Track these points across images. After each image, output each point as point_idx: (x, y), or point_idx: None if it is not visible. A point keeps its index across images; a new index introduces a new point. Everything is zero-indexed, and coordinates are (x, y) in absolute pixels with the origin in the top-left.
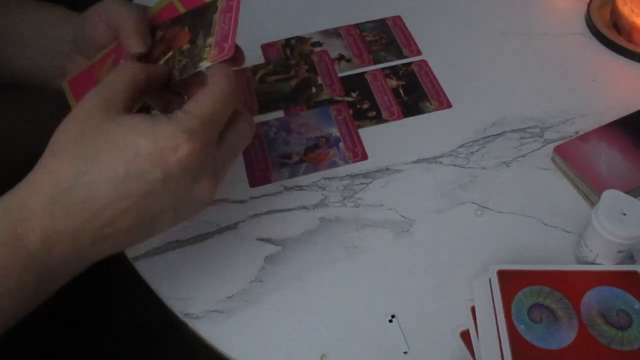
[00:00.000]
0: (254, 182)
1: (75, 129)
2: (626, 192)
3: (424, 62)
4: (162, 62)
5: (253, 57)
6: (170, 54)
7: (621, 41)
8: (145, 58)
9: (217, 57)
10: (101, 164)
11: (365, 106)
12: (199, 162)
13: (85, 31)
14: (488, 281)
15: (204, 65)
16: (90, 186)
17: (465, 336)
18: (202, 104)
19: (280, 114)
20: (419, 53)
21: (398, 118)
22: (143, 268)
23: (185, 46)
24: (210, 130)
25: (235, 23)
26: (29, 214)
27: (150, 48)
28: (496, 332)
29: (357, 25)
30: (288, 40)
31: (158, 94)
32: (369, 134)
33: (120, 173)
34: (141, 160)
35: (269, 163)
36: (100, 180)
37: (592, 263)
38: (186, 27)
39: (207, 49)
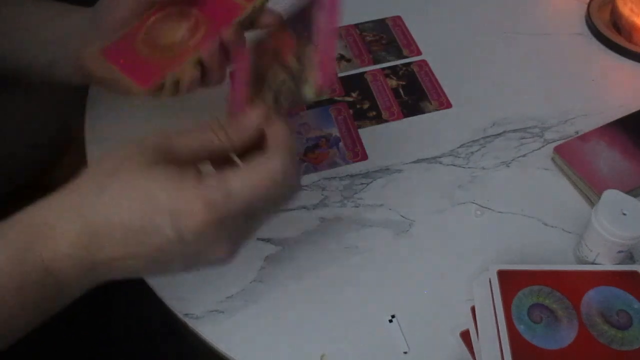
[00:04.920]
0: None
1: (111, 165)
2: (626, 192)
3: (424, 62)
4: (268, 87)
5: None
6: (281, 78)
7: (621, 41)
8: (253, 71)
9: (321, 85)
10: (122, 210)
11: (365, 106)
12: (213, 233)
13: (110, 12)
14: (488, 281)
15: (307, 92)
16: (108, 224)
17: (465, 336)
18: (242, 182)
19: None
20: (419, 53)
21: (398, 118)
22: None
23: (291, 60)
24: (238, 208)
25: (333, 50)
26: (50, 233)
27: (259, 57)
28: (496, 332)
29: (357, 25)
30: None
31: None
32: (369, 134)
33: (136, 225)
34: (158, 217)
35: None
36: (117, 223)
37: (592, 263)
38: (291, 32)
39: (310, 70)
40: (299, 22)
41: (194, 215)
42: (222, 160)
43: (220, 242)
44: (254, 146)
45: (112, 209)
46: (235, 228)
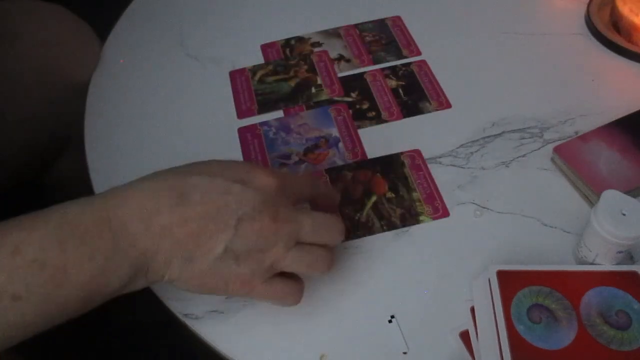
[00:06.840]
0: None
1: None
2: (626, 192)
3: (423, 62)
4: (369, 206)
5: (253, 57)
6: (374, 198)
7: (621, 41)
8: (347, 197)
9: (435, 216)
10: (208, 170)
11: (365, 106)
12: (273, 194)
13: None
14: (487, 281)
15: (424, 220)
16: (190, 183)
17: (465, 336)
18: (305, 177)
19: (279, 114)
20: (418, 53)
21: (398, 118)
22: None
23: (389, 194)
24: (296, 182)
25: (435, 186)
26: (130, 193)
27: (347, 185)
28: (495, 333)
29: (356, 26)
30: (288, 41)
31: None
32: (369, 134)
33: (212, 178)
34: (230, 170)
35: (268, 163)
36: (197, 181)
37: (591, 263)
38: (378, 174)
39: (418, 203)
40: (378, 165)
41: (261, 177)
42: None
43: (277, 205)
44: None
45: (199, 169)
46: (286, 203)
